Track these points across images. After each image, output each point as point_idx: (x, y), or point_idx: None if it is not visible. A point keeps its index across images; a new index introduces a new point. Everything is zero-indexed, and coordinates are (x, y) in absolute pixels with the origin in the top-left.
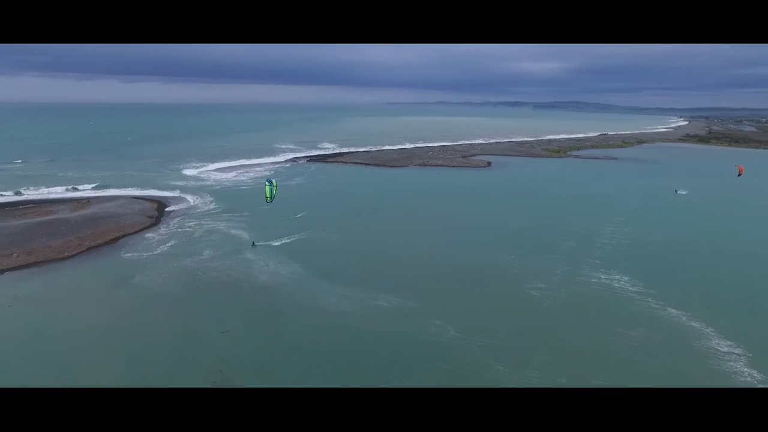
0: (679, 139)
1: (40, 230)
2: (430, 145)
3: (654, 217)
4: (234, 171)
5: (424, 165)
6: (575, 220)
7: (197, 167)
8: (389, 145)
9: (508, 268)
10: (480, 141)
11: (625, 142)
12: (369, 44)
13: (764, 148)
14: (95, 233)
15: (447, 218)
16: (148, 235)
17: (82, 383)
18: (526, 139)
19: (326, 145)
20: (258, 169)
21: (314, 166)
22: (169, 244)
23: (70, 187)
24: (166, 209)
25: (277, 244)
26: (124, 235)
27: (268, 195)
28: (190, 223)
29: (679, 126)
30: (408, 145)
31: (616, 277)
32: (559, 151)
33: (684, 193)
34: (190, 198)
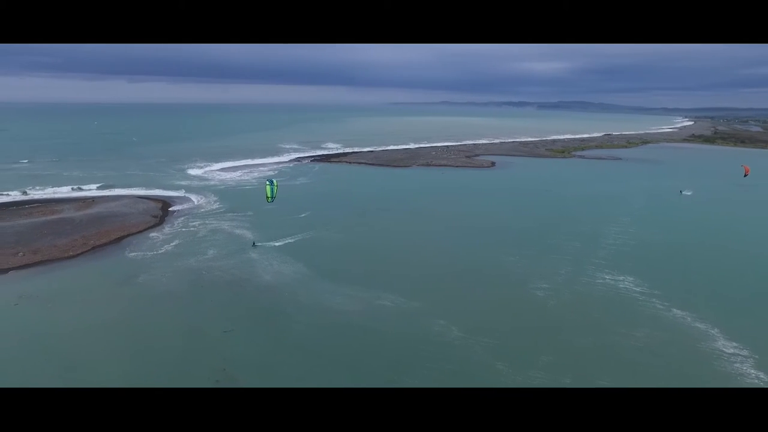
0: (685, 140)
1: (45, 229)
2: (434, 145)
3: (659, 217)
4: (238, 171)
5: (428, 165)
6: (579, 221)
7: (202, 167)
8: (393, 145)
9: (512, 268)
10: (484, 141)
11: (629, 142)
12: (372, 44)
13: None
14: (100, 232)
15: (451, 218)
16: (153, 234)
17: (86, 382)
18: (530, 139)
19: (330, 145)
20: (262, 168)
21: (318, 166)
22: (174, 243)
23: (75, 186)
24: (171, 209)
25: (277, 244)
26: (128, 235)
27: (269, 195)
28: (194, 223)
29: (685, 126)
30: (412, 145)
31: (621, 277)
32: (563, 152)
33: (689, 193)
34: (194, 198)
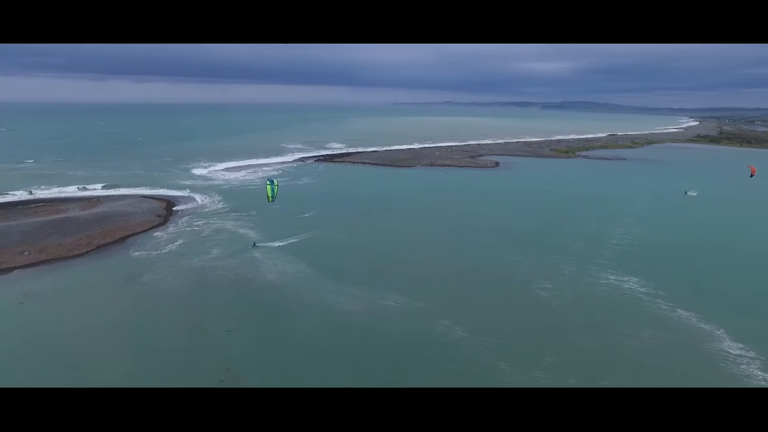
0: (690, 140)
1: (51, 228)
2: (438, 145)
3: (663, 217)
4: (242, 171)
5: (432, 165)
6: (584, 221)
7: (206, 167)
8: (397, 145)
9: (516, 269)
10: (488, 141)
11: (634, 142)
12: (375, 44)
13: None
14: (105, 232)
15: (455, 218)
16: (157, 233)
17: (90, 380)
18: (534, 139)
19: (334, 145)
20: (266, 168)
21: (322, 166)
22: (178, 242)
23: (80, 186)
24: (175, 208)
25: (278, 244)
26: (133, 234)
27: (269, 194)
28: (198, 223)
29: (690, 126)
30: (415, 145)
31: (625, 277)
32: (567, 152)
33: (694, 194)
34: (198, 197)
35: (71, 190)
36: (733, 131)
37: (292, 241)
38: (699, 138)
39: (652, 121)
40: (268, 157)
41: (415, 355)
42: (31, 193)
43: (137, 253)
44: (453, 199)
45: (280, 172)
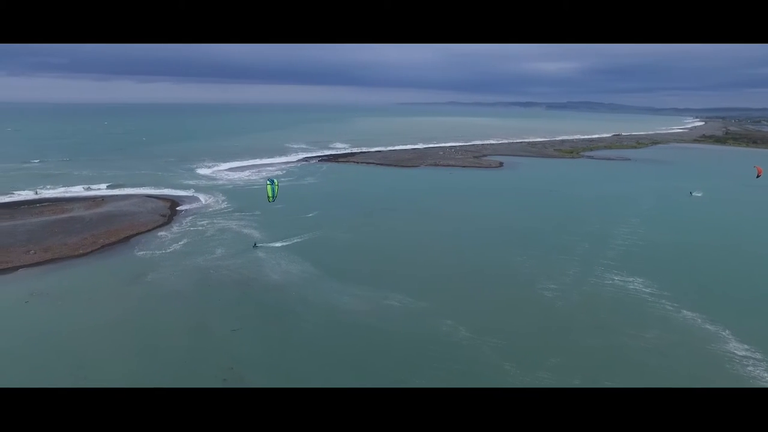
0: (695, 140)
1: (56, 228)
2: (442, 145)
3: (668, 218)
4: (247, 170)
5: (436, 165)
6: (588, 221)
7: (210, 167)
8: (401, 145)
9: (520, 269)
10: (492, 141)
11: (639, 142)
12: (379, 44)
13: None
14: (109, 231)
15: (459, 218)
16: (161, 233)
17: (95, 379)
18: (538, 139)
19: (338, 145)
20: (270, 168)
21: (326, 165)
22: (182, 242)
23: (85, 186)
24: (179, 208)
25: (279, 245)
26: (137, 234)
27: (270, 194)
28: (202, 222)
29: (695, 126)
30: (419, 146)
31: (630, 278)
32: (571, 152)
33: (699, 195)
34: (202, 197)
35: (76, 190)
36: (739, 131)
37: (296, 240)
38: (704, 138)
39: (657, 122)
40: (271, 157)
41: (419, 355)
42: (36, 192)
43: (141, 253)
44: (457, 200)
45: (283, 172)
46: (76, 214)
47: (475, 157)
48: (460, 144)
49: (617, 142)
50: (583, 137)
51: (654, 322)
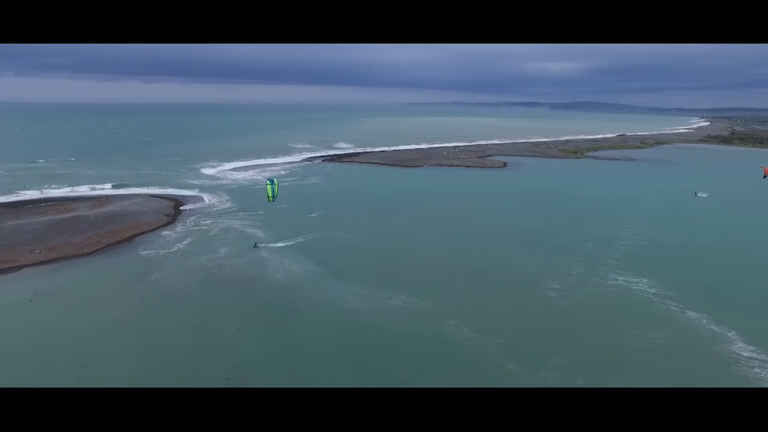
0: (700, 140)
1: (61, 227)
2: (446, 145)
3: (673, 218)
4: (251, 170)
5: (440, 165)
6: (593, 221)
7: (214, 166)
8: (404, 145)
9: (525, 269)
10: (496, 141)
11: (644, 143)
12: (383, 44)
13: None
14: (114, 230)
15: (462, 218)
16: (165, 232)
17: (99, 377)
18: (542, 139)
19: (342, 144)
20: (274, 168)
21: (330, 165)
22: (186, 241)
23: (90, 185)
24: (183, 208)
25: (285, 244)
26: (141, 233)
27: (270, 194)
28: (206, 222)
29: (701, 126)
30: (423, 146)
31: (635, 278)
32: (576, 152)
33: (704, 195)
34: (206, 197)
35: (82, 190)
36: (745, 131)
37: (299, 240)
38: (710, 138)
39: (662, 122)
40: (275, 156)
41: (423, 355)
42: (41, 191)
43: (146, 252)
44: (461, 200)
45: (287, 171)
46: (80, 214)
47: (479, 157)
48: (464, 144)
49: (622, 143)
50: (587, 137)
51: (659, 323)
